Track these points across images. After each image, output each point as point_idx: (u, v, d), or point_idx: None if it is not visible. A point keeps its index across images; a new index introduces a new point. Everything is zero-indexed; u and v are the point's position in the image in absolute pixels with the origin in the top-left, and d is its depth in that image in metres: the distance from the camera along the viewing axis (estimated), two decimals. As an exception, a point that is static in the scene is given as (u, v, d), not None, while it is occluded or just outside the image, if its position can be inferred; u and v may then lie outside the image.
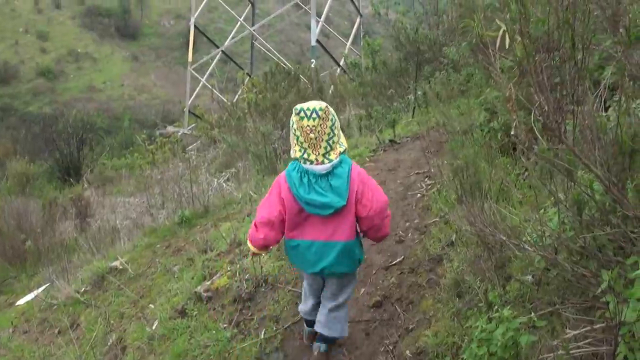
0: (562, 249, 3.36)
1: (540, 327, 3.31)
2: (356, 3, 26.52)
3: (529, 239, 3.55)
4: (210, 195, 8.23)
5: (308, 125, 3.59)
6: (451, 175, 4.90)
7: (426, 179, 6.21)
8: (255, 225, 3.87)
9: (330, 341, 4.18)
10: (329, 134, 3.66)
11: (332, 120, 3.67)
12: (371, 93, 12.48)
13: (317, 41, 21.83)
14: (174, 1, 76.41)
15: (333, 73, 17.79)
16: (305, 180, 3.71)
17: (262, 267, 5.34)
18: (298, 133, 3.65)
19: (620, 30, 3.67)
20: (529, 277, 3.91)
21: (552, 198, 3.58)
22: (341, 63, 23.25)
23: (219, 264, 5.92)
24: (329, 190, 3.70)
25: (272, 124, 9.10)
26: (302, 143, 3.66)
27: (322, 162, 3.67)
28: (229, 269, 5.64)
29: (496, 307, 3.79)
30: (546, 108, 3.15)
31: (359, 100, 12.53)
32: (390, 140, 7.97)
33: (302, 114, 3.61)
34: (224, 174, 9.55)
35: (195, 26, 26.59)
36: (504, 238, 3.68)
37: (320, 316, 4.10)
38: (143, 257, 7.25)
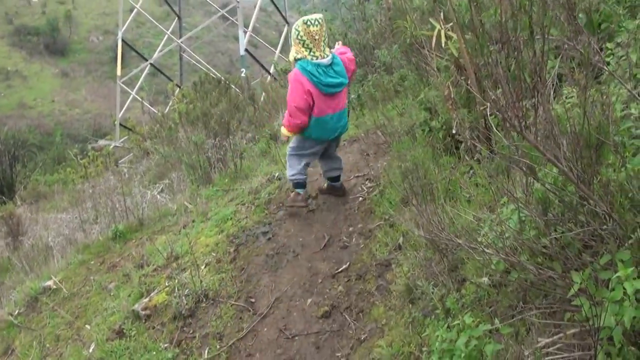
0: (523, 249, 3.05)
1: (505, 334, 2.99)
2: (283, 13, 26.14)
3: (485, 240, 3.22)
4: (144, 207, 7.69)
5: (314, 30, 4.83)
6: (399, 177, 4.57)
7: (367, 182, 5.85)
8: (291, 114, 5.04)
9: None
10: (324, 36, 4.91)
11: (325, 26, 4.94)
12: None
13: (246, 50, 21.33)
14: (102, 17, 74.52)
15: (264, 80, 17.35)
16: (320, 70, 4.89)
17: (201, 281, 4.88)
18: (305, 38, 4.85)
19: (580, 15, 3.38)
20: (485, 280, 3.58)
21: (507, 197, 3.26)
22: (271, 71, 22.81)
23: (156, 279, 5.43)
24: (336, 74, 4.98)
25: (204, 133, 8.61)
26: (308, 45, 4.87)
27: (325, 57, 4.92)
28: (167, 284, 5.17)
29: (454, 313, 3.48)
30: (503, 102, 2.81)
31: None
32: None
33: (309, 22, 4.82)
34: (157, 185, 9.00)
35: (123, 40, 25.73)
36: (459, 241, 3.36)
37: (337, 164, 5.62)
38: (77, 275, 6.67)
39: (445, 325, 3.19)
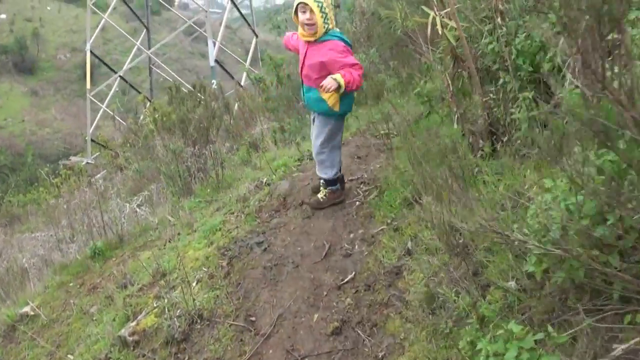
0: (573, 242, 2.57)
1: (561, 343, 2.53)
2: (251, 24, 25.67)
3: (528, 231, 2.75)
4: (123, 222, 7.14)
5: None
6: (410, 170, 4.10)
7: (362, 185, 5.40)
8: (360, 76, 4.54)
9: None
10: None
11: None
12: (280, 107, 11.62)
13: (216, 61, 20.81)
14: (69, 34, 73.18)
15: (238, 89, 16.86)
16: None
17: (194, 299, 4.36)
18: (331, 5, 4.53)
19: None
20: (513, 284, 3.14)
21: (566, 173, 2.71)
22: (242, 80, 22.31)
23: (142, 300, 4.88)
24: None
25: (182, 141, 8.07)
26: (333, 14, 4.56)
27: None
28: (155, 305, 4.63)
29: (489, 321, 3.03)
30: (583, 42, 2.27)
31: (268, 114, 11.65)
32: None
33: None
34: (136, 198, 8.43)
35: (92, 52, 24.98)
36: (496, 232, 2.89)
37: None
38: (56, 299, 6.07)
39: (488, 336, 2.73)
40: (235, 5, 25.02)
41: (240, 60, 26.44)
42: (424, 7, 4.55)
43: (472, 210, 3.81)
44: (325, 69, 4.55)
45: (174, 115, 8.45)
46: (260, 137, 9.96)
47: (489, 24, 4.45)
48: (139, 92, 25.88)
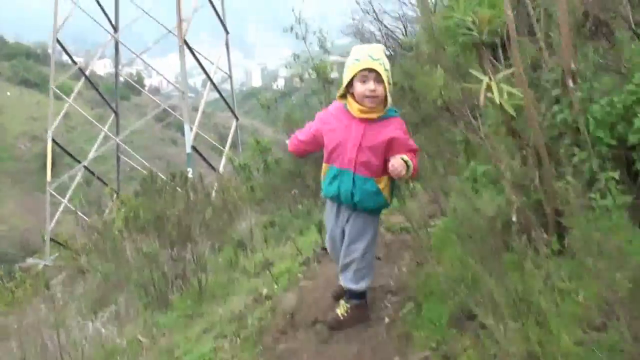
0: None
1: None
2: (231, 106, 25.32)
3: None
4: (84, 345, 6.20)
5: None
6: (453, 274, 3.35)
7: (389, 295, 4.60)
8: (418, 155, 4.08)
9: None
10: None
11: None
12: (270, 197, 10.92)
13: (193, 147, 20.25)
14: (30, 122, 73.01)
15: (218, 178, 16.19)
16: None
17: None
18: None
19: None
20: None
21: None
22: (220, 168, 21.70)
23: None
24: None
25: (157, 242, 7.26)
26: None
27: None
28: None
29: None
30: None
31: (255, 206, 10.91)
32: (324, 249, 6.30)
33: None
34: (101, 314, 7.50)
35: (54, 140, 24.35)
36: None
37: None
38: None
39: None
40: (216, 88, 24.78)
41: (218, 146, 25.94)
42: (473, 71, 3.89)
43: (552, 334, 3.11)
44: (391, 151, 3.94)
45: (148, 212, 7.67)
46: (249, 234, 9.18)
47: (557, 87, 3.82)
48: (105, 184, 25.18)
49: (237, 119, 24.82)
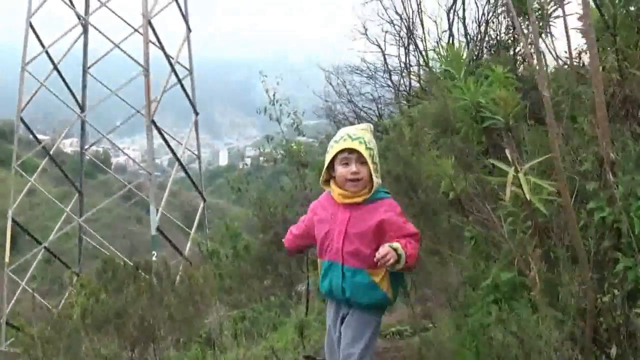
0: None
1: None
2: (199, 187, 24.60)
3: None
4: None
5: None
6: None
7: None
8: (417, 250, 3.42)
9: None
10: None
11: None
12: (240, 286, 10.16)
13: (158, 229, 19.41)
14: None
15: (185, 265, 15.35)
16: None
17: None
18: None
19: None
20: None
21: None
22: (186, 251, 20.84)
23: None
24: None
25: (116, 343, 6.45)
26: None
27: None
28: None
29: None
30: None
31: (224, 295, 10.11)
32: (306, 357, 5.52)
33: None
34: None
35: (14, 220, 23.29)
36: None
37: None
38: None
39: None
40: (184, 168, 24.16)
41: (185, 228, 25.06)
42: (494, 161, 3.32)
43: None
44: (382, 237, 3.40)
45: (107, 308, 6.86)
46: (217, 330, 8.37)
47: (593, 180, 3.25)
48: (67, 266, 24.06)
49: (204, 200, 24.08)
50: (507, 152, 3.63)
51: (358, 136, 3.46)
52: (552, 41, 4.69)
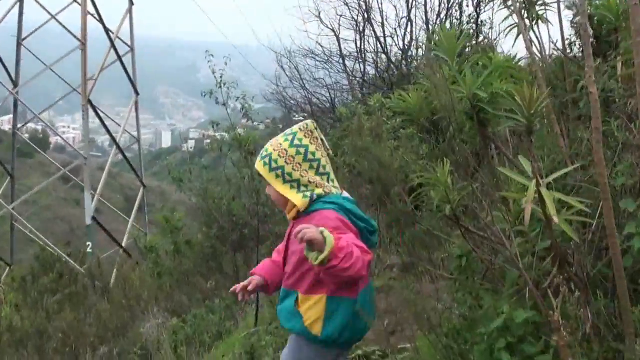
0: None
1: None
2: (139, 173, 23.26)
3: None
4: None
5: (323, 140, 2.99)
6: None
7: None
8: (364, 261, 2.61)
9: None
10: None
11: None
12: (181, 287, 9.22)
13: (94, 218, 18.19)
14: None
15: (121, 259, 14.26)
16: (357, 209, 2.97)
17: None
18: (318, 155, 2.93)
19: None
20: None
21: None
22: (124, 241, 19.68)
23: None
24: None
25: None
26: (324, 167, 2.96)
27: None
28: None
29: None
30: None
31: (163, 299, 9.12)
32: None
33: (314, 127, 2.99)
34: None
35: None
36: None
37: None
38: None
39: None
40: (122, 151, 22.77)
41: (123, 216, 23.74)
42: (508, 172, 2.50)
43: None
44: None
45: (27, 323, 5.86)
46: (156, 341, 7.43)
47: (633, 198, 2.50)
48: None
49: (144, 186, 22.76)
50: (521, 160, 2.80)
51: (265, 154, 2.97)
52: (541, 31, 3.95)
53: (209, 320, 7.73)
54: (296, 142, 2.91)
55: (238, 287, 3.09)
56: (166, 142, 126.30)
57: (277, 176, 2.91)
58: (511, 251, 2.81)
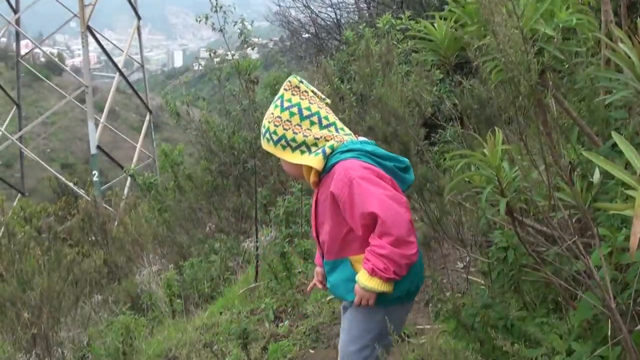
0: None
1: None
2: (143, 97, 22.26)
3: None
4: None
5: (314, 91, 2.72)
6: None
7: None
8: (399, 239, 2.38)
9: None
10: None
11: None
12: (182, 226, 8.49)
13: (99, 147, 17.42)
14: None
15: (117, 202, 13.50)
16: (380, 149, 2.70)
17: None
18: (314, 107, 2.66)
19: None
20: None
21: None
22: (134, 161, 19.03)
23: None
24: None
25: (12, 340, 4.80)
26: (326, 118, 2.68)
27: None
28: None
29: None
30: None
31: (160, 244, 8.39)
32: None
33: (295, 80, 2.70)
34: None
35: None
36: None
37: None
38: None
39: None
40: (125, 78, 21.77)
41: (130, 141, 22.93)
42: (612, 167, 1.63)
43: None
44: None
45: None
46: (147, 288, 6.77)
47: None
48: (9, 185, 22.01)
49: (150, 111, 21.78)
50: (623, 147, 1.80)
51: (264, 130, 2.74)
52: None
53: (209, 265, 7.11)
54: (286, 104, 2.66)
55: (311, 286, 3.03)
56: (178, 61, 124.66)
57: (283, 147, 2.69)
58: (601, 284, 1.95)
